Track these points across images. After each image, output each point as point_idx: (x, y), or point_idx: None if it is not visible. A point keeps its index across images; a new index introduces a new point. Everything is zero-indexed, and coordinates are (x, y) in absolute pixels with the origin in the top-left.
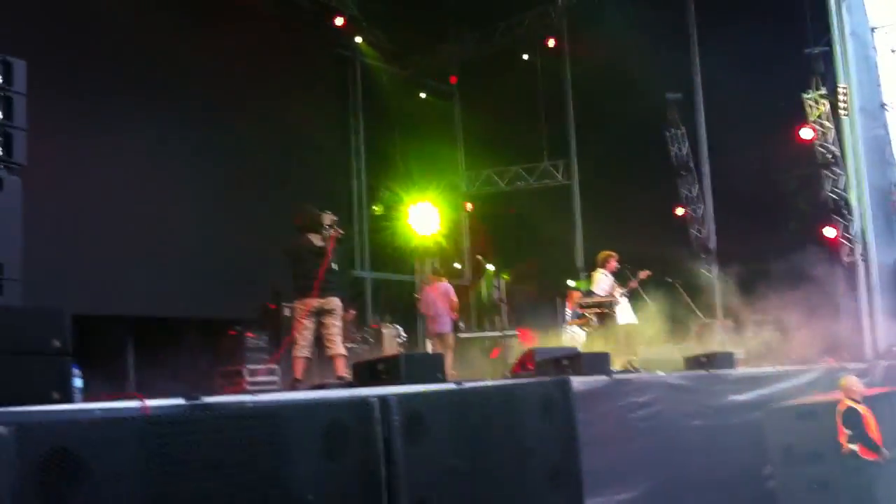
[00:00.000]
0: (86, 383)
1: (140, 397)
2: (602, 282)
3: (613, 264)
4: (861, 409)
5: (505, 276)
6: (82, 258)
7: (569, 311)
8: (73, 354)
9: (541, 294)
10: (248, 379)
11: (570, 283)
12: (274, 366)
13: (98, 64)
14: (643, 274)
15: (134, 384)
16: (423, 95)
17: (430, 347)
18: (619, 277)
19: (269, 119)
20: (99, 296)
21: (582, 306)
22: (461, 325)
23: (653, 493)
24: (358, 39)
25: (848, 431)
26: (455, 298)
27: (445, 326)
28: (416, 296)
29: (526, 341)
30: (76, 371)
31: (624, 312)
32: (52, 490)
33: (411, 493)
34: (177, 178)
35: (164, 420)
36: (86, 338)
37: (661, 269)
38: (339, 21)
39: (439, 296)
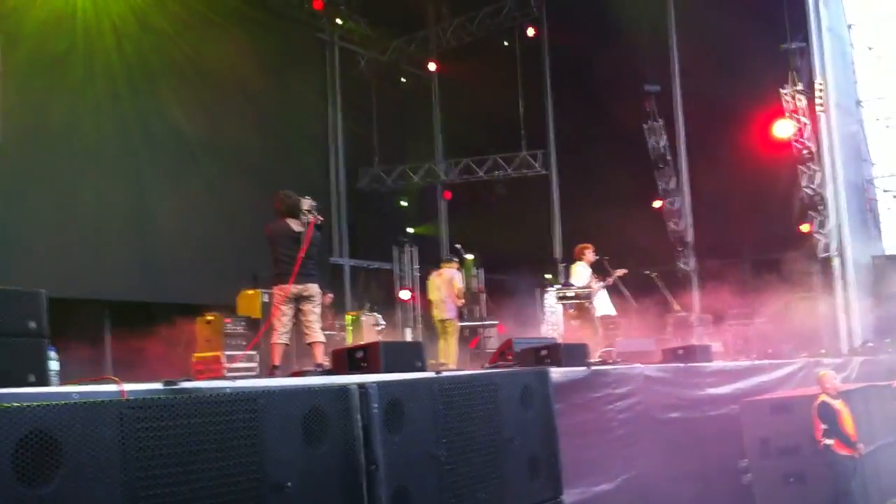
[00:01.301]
0: (63, 366)
1: (117, 381)
2: (580, 273)
3: (591, 256)
4: (836, 404)
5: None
6: (61, 241)
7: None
8: (51, 337)
9: (520, 284)
10: (226, 365)
11: (547, 277)
12: (252, 352)
13: (78, 44)
14: (620, 272)
15: (111, 368)
16: (403, 80)
17: (409, 335)
18: (598, 269)
19: (246, 102)
20: (77, 279)
21: (560, 298)
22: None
23: (630, 483)
24: (338, 21)
25: (823, 426)
26: (460, 286)
27: (449, 313)
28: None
29: (504, 331)
30: (53, 353)
31: (602, 304)
32: (27, 473)
33: (390, 481)
34: (155, 161)
35: (141, 404)
36: (63, 321)
37: (638, 261)
38: (317, 4)
39: (444, 282)
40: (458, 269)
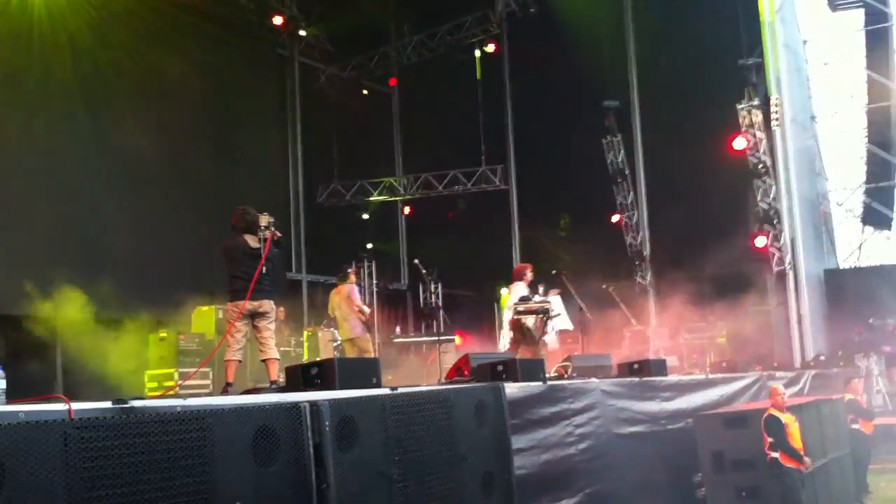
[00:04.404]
0: (11, 384)
1: (66, 400)
2: (520, 294)
3: (530, 276)
4: (785, 417)
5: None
6: (12, 257)
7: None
8: None
9: (478, 299)
10: (179, 382)
11: (504, 291)
12: (206, 369)
13: (34, 60)
14: (553, 292)
15: (62, 386)
16: (364, 92)
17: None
18: (536, 288)
19: (205, 118)
20: (28, 295)
21: (517, 313)
22: (398, 330)
23: (588, 499)
24: (302, 33)
25: (770, 439)
26: (356, 301)
27: (355, 330)
28: None
29: (463, 346)
30: (0, 372)
31: (559, 318)
32: None
33: (342, 500)
34: (111, 177)
35: (86, 424)
36: (13, 338)
37: (596, 275)
38: (277, 20)
39: (343, 299)
40: (356, 282)
